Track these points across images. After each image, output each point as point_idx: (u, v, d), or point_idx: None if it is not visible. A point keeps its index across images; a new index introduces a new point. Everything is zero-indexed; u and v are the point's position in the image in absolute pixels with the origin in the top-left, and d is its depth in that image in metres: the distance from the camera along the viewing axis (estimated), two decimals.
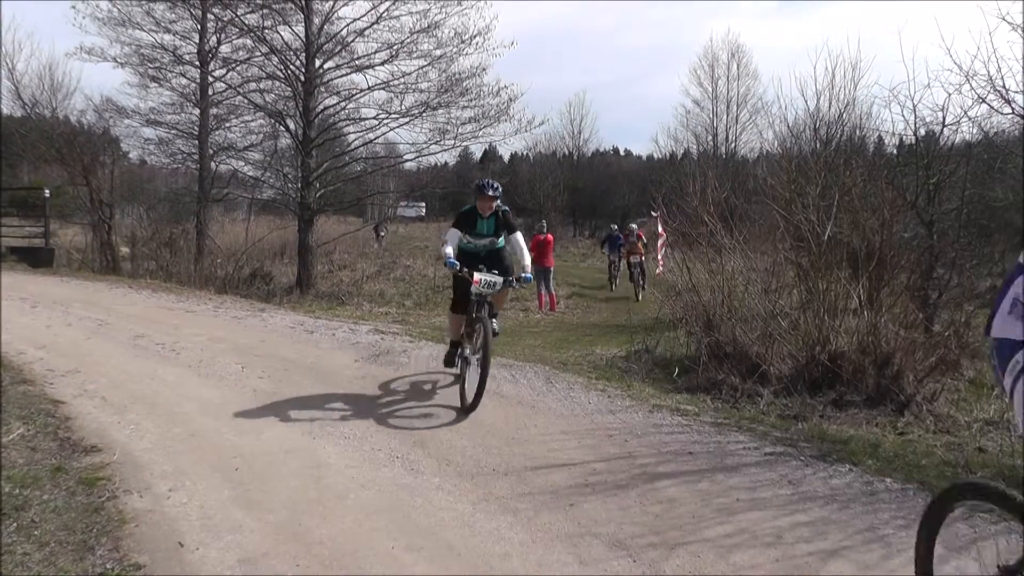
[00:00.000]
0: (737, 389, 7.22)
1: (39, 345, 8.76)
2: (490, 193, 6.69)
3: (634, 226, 20.77)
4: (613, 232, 22.80)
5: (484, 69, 19.71)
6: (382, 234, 33.86)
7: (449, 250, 6.62)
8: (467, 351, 6.59)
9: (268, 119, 21.14)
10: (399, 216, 40.77)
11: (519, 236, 6.86)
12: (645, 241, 19.77)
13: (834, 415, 6.51)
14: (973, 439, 5.88)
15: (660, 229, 17.98)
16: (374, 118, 20.51)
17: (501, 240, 6.99)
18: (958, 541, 4.08)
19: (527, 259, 6.80)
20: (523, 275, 6.66)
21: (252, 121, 21.76)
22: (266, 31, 19.86)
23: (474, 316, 6.56)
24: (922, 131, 9.78)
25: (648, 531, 4.21)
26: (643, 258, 19.36)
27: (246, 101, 20.94)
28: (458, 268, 6.52)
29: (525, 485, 4.88)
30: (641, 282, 19.15)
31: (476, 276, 6.46)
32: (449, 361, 7.11)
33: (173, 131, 21.70)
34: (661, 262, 18.21)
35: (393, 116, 20.20)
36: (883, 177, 9.62)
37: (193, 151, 21.74)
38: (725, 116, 39.18)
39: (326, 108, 20.73)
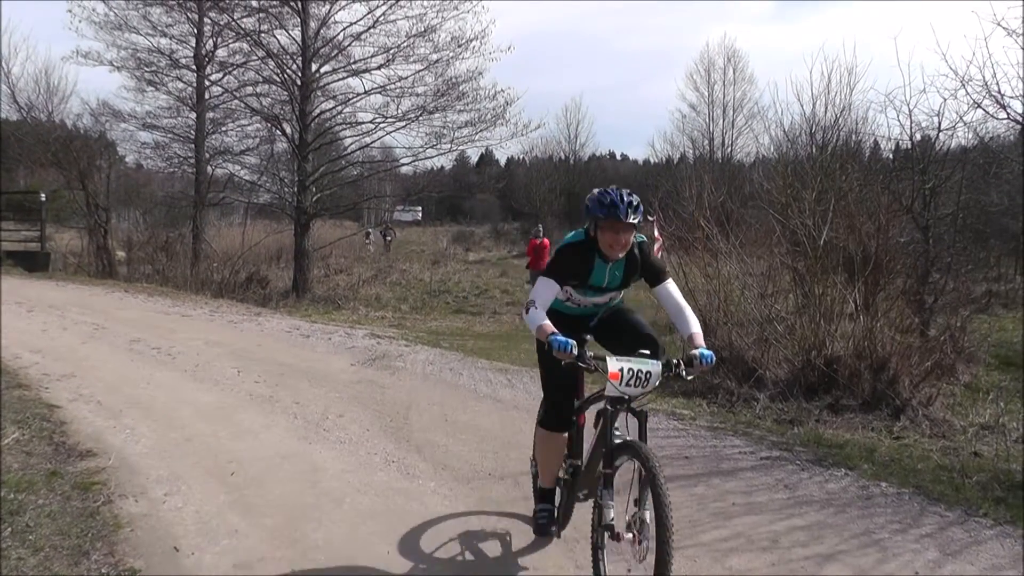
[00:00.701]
0: (733, 393, 7.23)
1: (35, 349, 8.74)
2: (630, 219, 3.56)
3: None
4: None
5: (481, 73, 19.76)
6: (389, 238, 34.05)
7: (543, 318, 3.62)
8: (607, 531, 3.33)
9: (264, 123, 21.15)
10: (395, 220, 40.92)
11: (673, 286, 3.87)
12: None
13: (830, 419, 6.51)
14: (969, 443, 5.89)
15: (656, 234, 17.96)
16: (370, 122, 20.57)
17: (621, 296, 4.09)
18: (954, 545, 4.09)
19: (696, 324, 3.72)
20: (698, 352, 3.49)
21: (248, 125, 21.80)
22: (262, 35, 19.89)
23: (612, 445, 3.39)
24: (918, 136, 9.82)
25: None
26: None
27: (242, 105, 20.96)
28: (571, 352, 3.40)
29: (521, 489, 4.87)
30: None
31: (613, 364, 3.35)
32: (542, 525, 4.10)
33: (169, 135, 21.74)
34: None
35: (389, 120, 20.24)
36: (879, 182, 9.66)
37: (189, 155, 21.75)
38: (721, 121, 39.16)
39: (322, 112, 20.75)
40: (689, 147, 40.14)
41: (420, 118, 19.98)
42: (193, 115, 21.42)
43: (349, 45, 19.92)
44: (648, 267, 3.85)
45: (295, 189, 20.29)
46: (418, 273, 23.59)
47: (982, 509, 4.53)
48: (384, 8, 19.26)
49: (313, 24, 19.70)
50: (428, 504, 4.65)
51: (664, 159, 41.59)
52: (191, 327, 10.91)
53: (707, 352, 3.50)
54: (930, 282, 9.07)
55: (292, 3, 19.48)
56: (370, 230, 33.48)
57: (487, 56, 19.55)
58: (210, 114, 21.53)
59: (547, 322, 3.59)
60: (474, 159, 57.12)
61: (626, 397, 3.41)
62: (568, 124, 47.90)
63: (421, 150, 20.67)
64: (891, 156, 11.88)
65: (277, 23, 19.83)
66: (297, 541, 4.09)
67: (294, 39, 19.93)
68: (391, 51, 19.61)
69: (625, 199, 3.60)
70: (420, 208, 51.64)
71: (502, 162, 59.21)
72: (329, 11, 19.71)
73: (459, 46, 19.40)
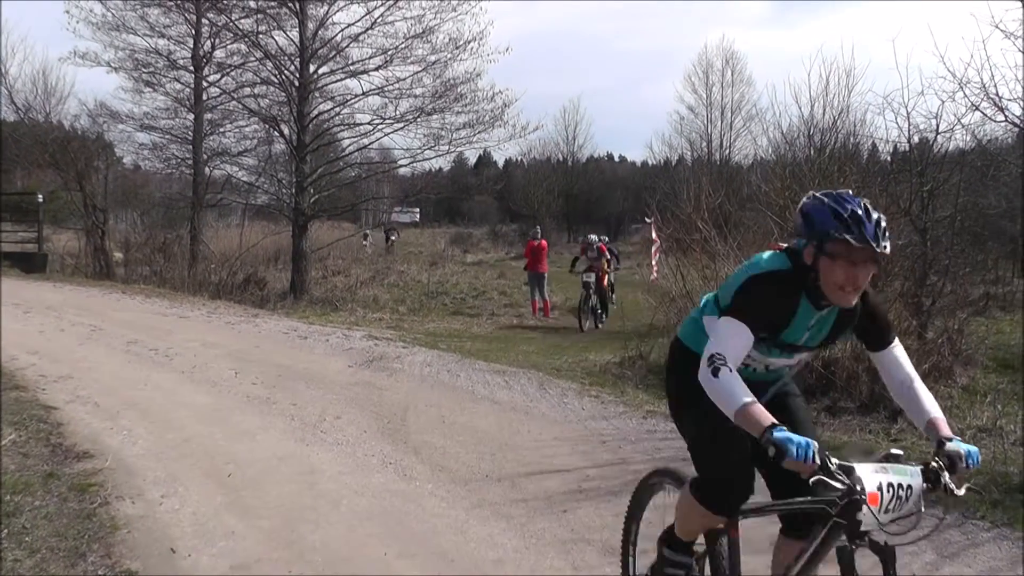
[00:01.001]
0: None
1: (32, 351, 8.72)
2: (881, 247, 2.28)
3: (593, 238, 16.46)
4: (593, 243, 16.18)
5: (479, 74, 19.69)
6: (392, 239, 34.06)
7: (746, 393, 2.28)
8: None
9: (262, 124, 21.09)
10: (394, 221, 40.90)
11: (902, 351, 2.65)
12: (609, 258, 15.79)
13: (828, 422, 6.51)
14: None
15: (654, 235, 17.97)
16: (368, 123, 20.49)
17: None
18: (951, 548, 4.09)
19: (936, 405, 2.59)
20: (962, 449, 2.33)
21: (246, 126, 21.73)
22: (260, 36, 19.84)
23: None
24: (916, 138, 9.78)
25: (642, 538, 4.20)
26: (605, 277, 15.34)
27: (240, 106, 20.90)
28: (814, 461, 2.17)
29: (518, 491, 4.87)
30: (599, 309, 14.93)
31: (871, 479, 2.18)
32: None
33: (167, 136, 21.68)
34: (655, 268, 18.16)
35: (387, 121, 20.17)
36: (877, 184, 9.66)
37: (187, 156, 21.70)
38: (719, 122, 39.08)
39: (320, 113, 20.70)
40: (687, 149, 40.16)
41: (418, 119, 19.95)
42: (191, 116, 21.37)
43: (347, 46, 19.89)
44: (873, 321, 2.56)
45: (293, 190, 20.24)
46: (416, 275, 23.54)
47: (979, 512, 4.52)
48: (382, 9, 19.23)
49: (311, 25, 19.68)
50: (425, 506, 4.64)
51: (662, 161, 41.67)
52: (188, 328, 10.90)
53: (972, 448, 2.32)
54: (928, 284, 9.05)
55: (290, 4, 19.45)
56: (368, 231, 33.42)
57: (485, 57, 19.51)
58: (208, 115, 21.48)
59: (758, 405, 2.26)
60: (472, 161, 57.20)
61: (881, 530, 2.19)
62: (566, 126, 47.90)
63: (419, 151, 20.63)
64: (889, 158, 11.87)
65: (275, 24, 19.80)
66: (294, 543, 4.09)
67: (292, 40, 19.90)
68: (389, 52, 19.58)
69: (873, 215, 2.30)
70: (418, 210, 51.58)
71: (500, 164, 59.27)
72: (327, 12, 19.69)
73: (457, 47, 19.36)
